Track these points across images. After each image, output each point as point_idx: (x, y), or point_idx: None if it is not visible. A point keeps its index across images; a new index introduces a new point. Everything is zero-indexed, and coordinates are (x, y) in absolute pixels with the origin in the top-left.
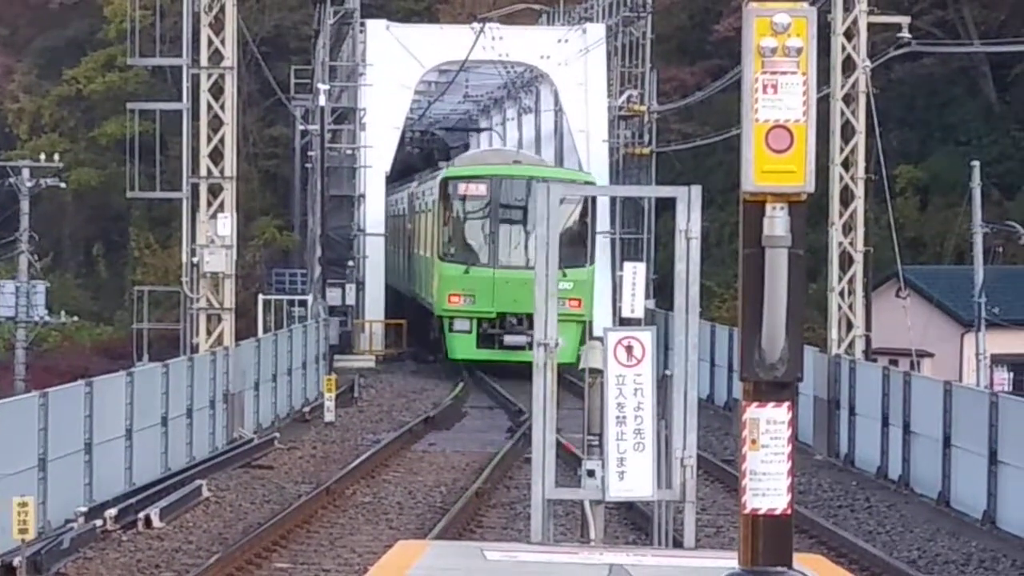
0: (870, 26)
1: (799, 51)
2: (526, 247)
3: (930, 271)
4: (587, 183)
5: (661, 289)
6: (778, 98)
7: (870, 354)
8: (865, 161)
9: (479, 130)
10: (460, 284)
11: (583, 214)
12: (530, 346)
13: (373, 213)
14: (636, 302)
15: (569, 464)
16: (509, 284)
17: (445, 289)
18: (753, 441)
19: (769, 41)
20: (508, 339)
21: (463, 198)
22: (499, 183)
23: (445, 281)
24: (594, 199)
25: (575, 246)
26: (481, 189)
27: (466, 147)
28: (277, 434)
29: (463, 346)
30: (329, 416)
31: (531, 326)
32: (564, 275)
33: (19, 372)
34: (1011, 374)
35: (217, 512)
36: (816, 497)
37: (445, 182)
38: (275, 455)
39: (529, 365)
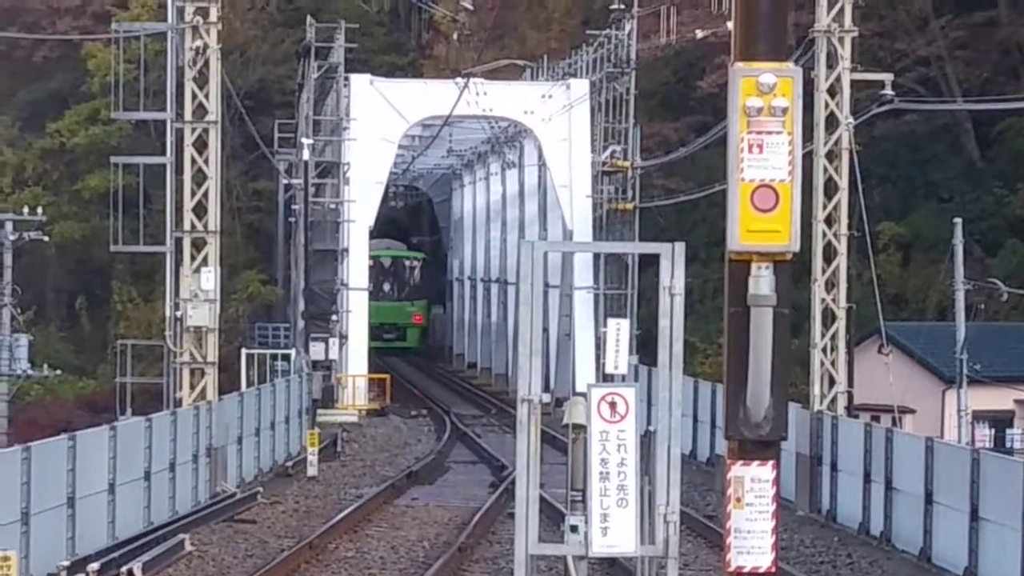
0: (853, 83)
1: (785, 111)
2: (391, 290)
3: (912, 327)
4: (423, 258)
5: (645, 344)
6: (764, 157)
7: (852, 410)
8: (848, 218)
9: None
10: None
11: (422, 271)
12: (397, 338)
13: (356, 267)
14: (620, 358)
15: (552, 519)
16: (385, 308)
17: None
18: (738, 499)
19: (755, 101)
20: (385, 336)
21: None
22: (379, 260)
23: None
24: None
25: (420, 288)
26: (371, 262)
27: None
28: (260, 488)
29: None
30: (312, 470)
31: (397, 329)
32: (412, 304)
33: (1, 425)
34: (992, 430)
35: (200, 567)
36: (798, 553)
37: None
38: (258, 509)
39: (399, 349)
